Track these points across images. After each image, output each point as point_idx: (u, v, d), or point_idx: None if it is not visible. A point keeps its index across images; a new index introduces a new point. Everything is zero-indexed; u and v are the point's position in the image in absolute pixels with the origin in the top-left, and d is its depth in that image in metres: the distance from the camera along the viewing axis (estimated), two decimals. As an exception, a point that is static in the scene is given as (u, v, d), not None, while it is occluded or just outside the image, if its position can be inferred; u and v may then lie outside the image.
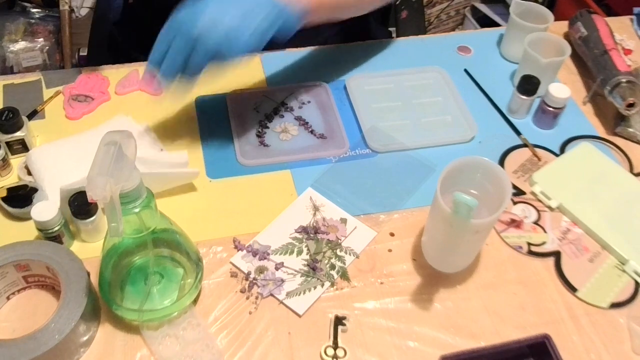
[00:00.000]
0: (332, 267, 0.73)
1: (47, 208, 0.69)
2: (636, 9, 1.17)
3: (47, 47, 1.87)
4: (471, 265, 0.74)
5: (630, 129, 0.91)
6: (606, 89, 0.91)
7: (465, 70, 1.03)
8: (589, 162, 0.87)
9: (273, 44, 0.97)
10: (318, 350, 0.66)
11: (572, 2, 1.83)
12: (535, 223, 0.80)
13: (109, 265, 0.65)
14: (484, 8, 2.18)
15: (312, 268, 0.73)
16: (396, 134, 0.89)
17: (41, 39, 1.87)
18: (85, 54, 1.79)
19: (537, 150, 0.89)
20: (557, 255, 0.77)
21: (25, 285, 0.69)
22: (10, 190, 0.76)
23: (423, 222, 0.78)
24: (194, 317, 0.67)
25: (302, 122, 0.91)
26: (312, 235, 0.76)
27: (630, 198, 0.82)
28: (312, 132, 0.89)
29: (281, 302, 0.70)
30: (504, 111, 0.95)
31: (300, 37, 0.97)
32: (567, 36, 1.09)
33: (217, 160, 0.85)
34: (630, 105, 0.88)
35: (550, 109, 0.91)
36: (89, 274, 0.66)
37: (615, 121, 0.94)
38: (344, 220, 0.78)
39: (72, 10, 1.81)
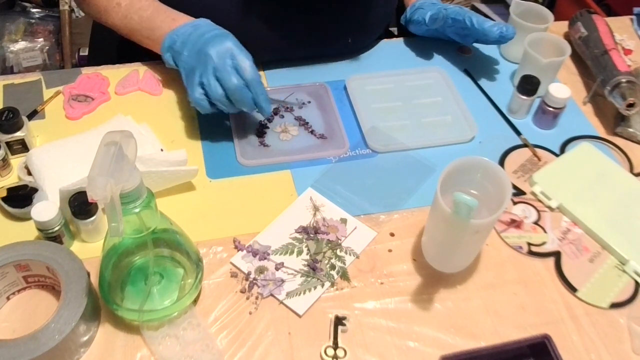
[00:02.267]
0: (332, 267, 0.73)
1: (47, 208, 0.69)
2: (636, 9, 1.17)
3: (47, 47, 1.87)
4: (471, 265, 0.74)
5: (630, 129, 0.91)
6: (606, 89, 0.91)
7: (465, 70, 1.03)
8: (589, 162, 0.87)
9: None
10: (318, 350, 0.66)
11: (572, 2, 1.83)
12: (535, 223, 0.80)
13: (109, 266, 0.65)
14: (484, 8, 2.18)
15: (312, 268, 0.73)
16: (396, 134, 0.89)
17: (41, 39, 1.87)
18: (86, 54, 1.79)
19: (537, 150, 0.89)
20: (557, 255, 0.76)
21: (25, 285, 0.69)
22: (10, 190, 0.76)
23: (423, 222, 0.78)
24: (194, 317, 0.67)
25: (302, 122, 0.91)
26: (312, 235, 0.76)
27: (630, 198, 0.82)
28: (312, 132, 0.89)
29: (281, 302, 0.70)
30: (504, 111, 0.95)
31: (300, 38, 0.97)
32: (567, 36, 1.09)
33: (217, 160, 0.85)
34: (630, 105, 0.88)
35: (550, 109, 0.90)
36: (89, 274, 0.66)
37: (615, 121, 0.94)
38: (344, 221, 0.78)
39: (72, 10, 1.81)
